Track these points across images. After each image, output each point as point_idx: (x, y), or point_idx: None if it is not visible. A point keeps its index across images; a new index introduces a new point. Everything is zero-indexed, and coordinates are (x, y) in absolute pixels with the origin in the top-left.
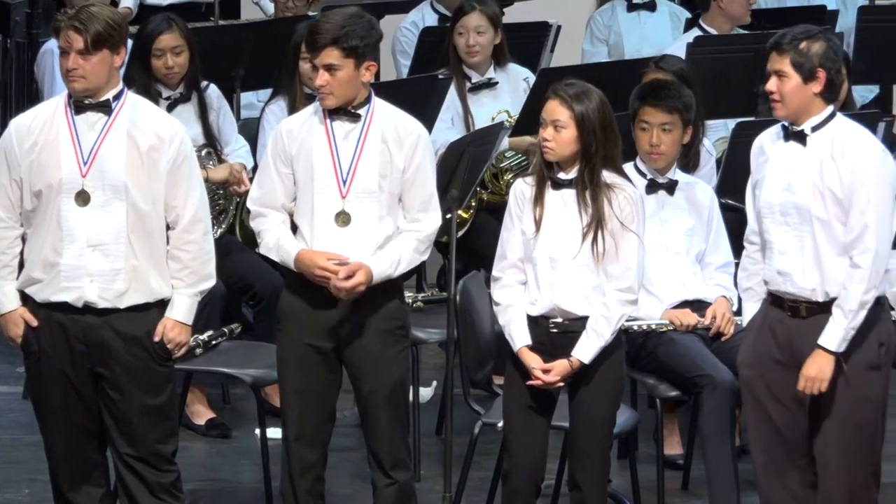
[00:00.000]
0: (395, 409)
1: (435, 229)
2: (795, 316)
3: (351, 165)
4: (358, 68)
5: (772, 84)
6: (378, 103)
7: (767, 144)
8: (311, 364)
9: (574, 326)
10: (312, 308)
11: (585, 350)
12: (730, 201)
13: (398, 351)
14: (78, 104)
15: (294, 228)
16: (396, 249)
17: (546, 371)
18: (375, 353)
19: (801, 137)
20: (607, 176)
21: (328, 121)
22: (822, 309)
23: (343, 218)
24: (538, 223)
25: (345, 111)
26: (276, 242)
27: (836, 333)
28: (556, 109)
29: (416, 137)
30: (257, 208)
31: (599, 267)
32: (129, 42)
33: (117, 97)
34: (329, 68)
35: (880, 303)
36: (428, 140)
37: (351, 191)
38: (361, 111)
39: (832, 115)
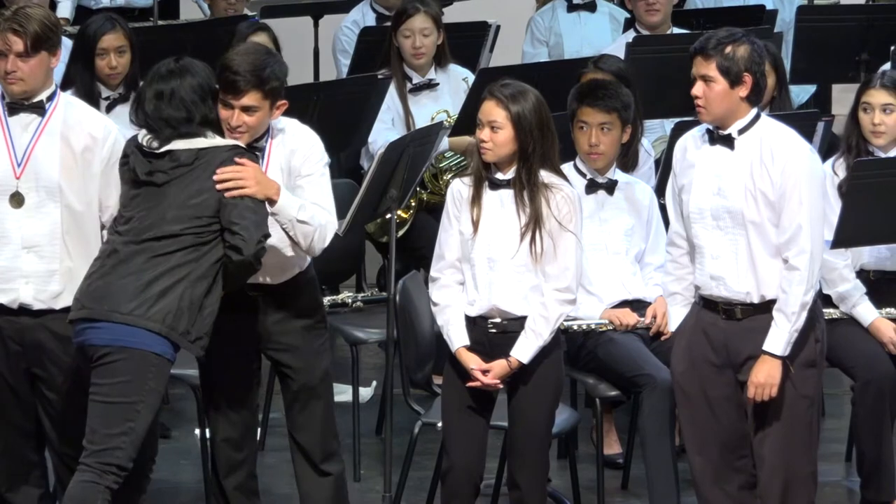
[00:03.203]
0: (325, 401)
1: (332, 211)
2: (730, 318)
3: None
4: (272, 108)
5: (697, 89)
6: (274, 131)
7: (691, 148)
8: (235, 364)
9: (512, 326)
10: (232, 311)
11: (524, 350)
12: None
13: (321, 343)
14: (11, 105)
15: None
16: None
17: (485, 372)
18: (301, 348)
19: (728, 141)
20: (545, 176)
21: None
22: (758, 310)
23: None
24: (476, 224)
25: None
26: None
27: (780, 337)
28: (492, 110)
29: (306, 151)
30: None
31: (537, 267)
32: (69, 43)
33: (50, 98)
34: (247, 109)
35: (815, 300)
36: (317, 141)
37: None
38: (262, 142)
39: (757, 117)
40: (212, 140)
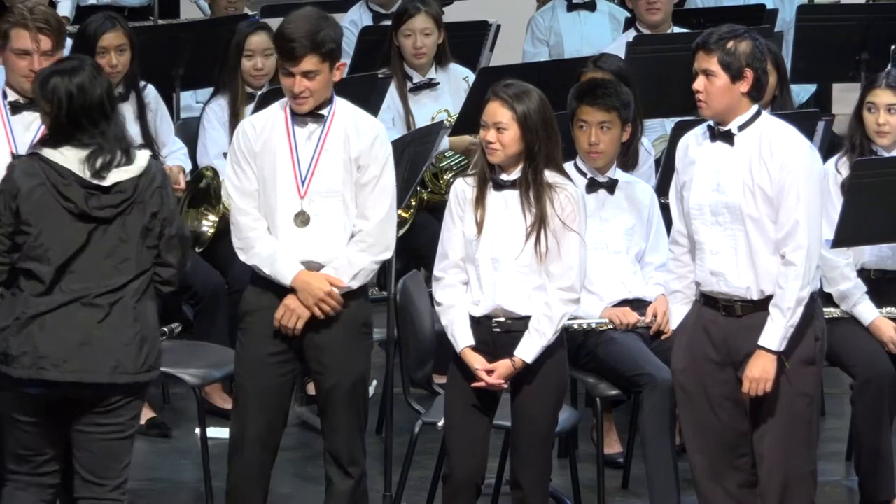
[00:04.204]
0: (356, 404)
1: (378, 223)
2: (730, 315)
3: (310, 165)
4: (331, 70)
5: (699, 83)
6: (339, 103)
7: (693, 146)
8: (273, 363)
9: (517, 326)
10: (278, 304)
11: (528, 350)
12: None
13: (362, 347)
14: (14, 104)
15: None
16: (352, 264)
17: (489, 372)
18: (340, 347)
19: (728, 137)
20: (549, 175)
21: (290, 121)
22: (757, 307)
23: (302, 218)
24: (480, 224)
25: (308, 112)
26: (269, 255)
27: (775, 333)
28: (497, 111)
29: (373, 137)
30: (244, 207)
31: (542, 267)
32: (69, 41)
33: None
34: (307, 74)
35: (814, 298)
36: (386, 137)
37: (311, 191)
38: (324, 111)
39: (758, 114)
40: (139, 163)
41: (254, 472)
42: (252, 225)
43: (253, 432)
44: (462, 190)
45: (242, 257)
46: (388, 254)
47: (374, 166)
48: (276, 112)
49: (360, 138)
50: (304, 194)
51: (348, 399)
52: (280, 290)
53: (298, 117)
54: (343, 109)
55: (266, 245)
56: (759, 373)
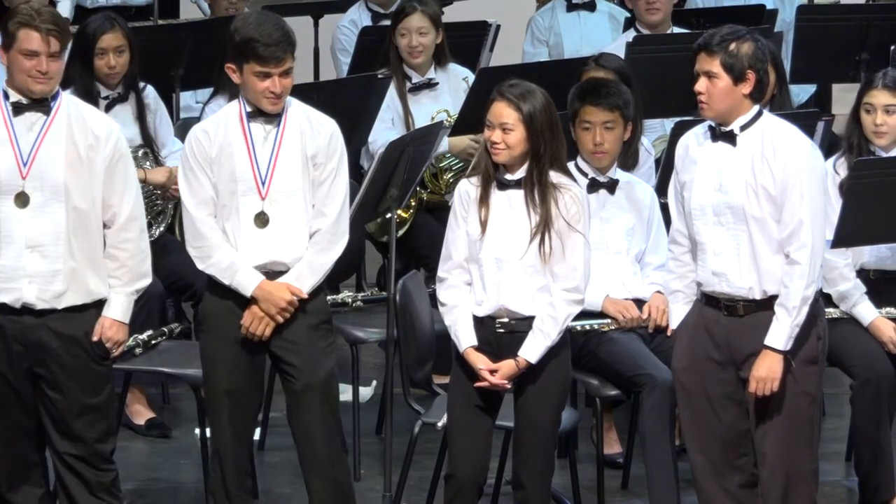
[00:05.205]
0: (331, 402)
1: (335, 219)
2: (732, 315)
3: (269, 165)
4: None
5: (701, 85)
6: (293, 102)
7: (693, 146)
8: (239, 363)
9: (520, 326)
10: (238, 307)
11: (532, 350)
12: None
13: (327, 344)
14: (16, 105)
15: None
16: (314, 270)
17: (492, 372)
18: (307, 347)
19: (730, 137)
20: (553, 176)
21: (245, 123)
22: (760, 307)
23: (263, 219)
24: (484, 224)
25: (261, 112)
26: (229, 266)
27: (781, 332)
28: (503, 111)
29: (328, 134)
30: (199, 216)
31: (546, 267)
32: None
33: (54, 97)
34: (286, 73)
35: (816, 298)
36: (339, 133)
37: (272, 190)
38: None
39: (759, 114)
40: None
41: (236, 470)
42: (209, 234)
43: (229, 433)
44: (466, 190)
45: (200, 266)
46: (345, 242)
47: (332, 161)
48: (227, 116)
49: (316, 136)
50: (265, 195)
51: (323, 397)
52: (239, 294)
53: (253, 119)
54: (296, 107)
55: (225, 255)
56: (766, 372)
